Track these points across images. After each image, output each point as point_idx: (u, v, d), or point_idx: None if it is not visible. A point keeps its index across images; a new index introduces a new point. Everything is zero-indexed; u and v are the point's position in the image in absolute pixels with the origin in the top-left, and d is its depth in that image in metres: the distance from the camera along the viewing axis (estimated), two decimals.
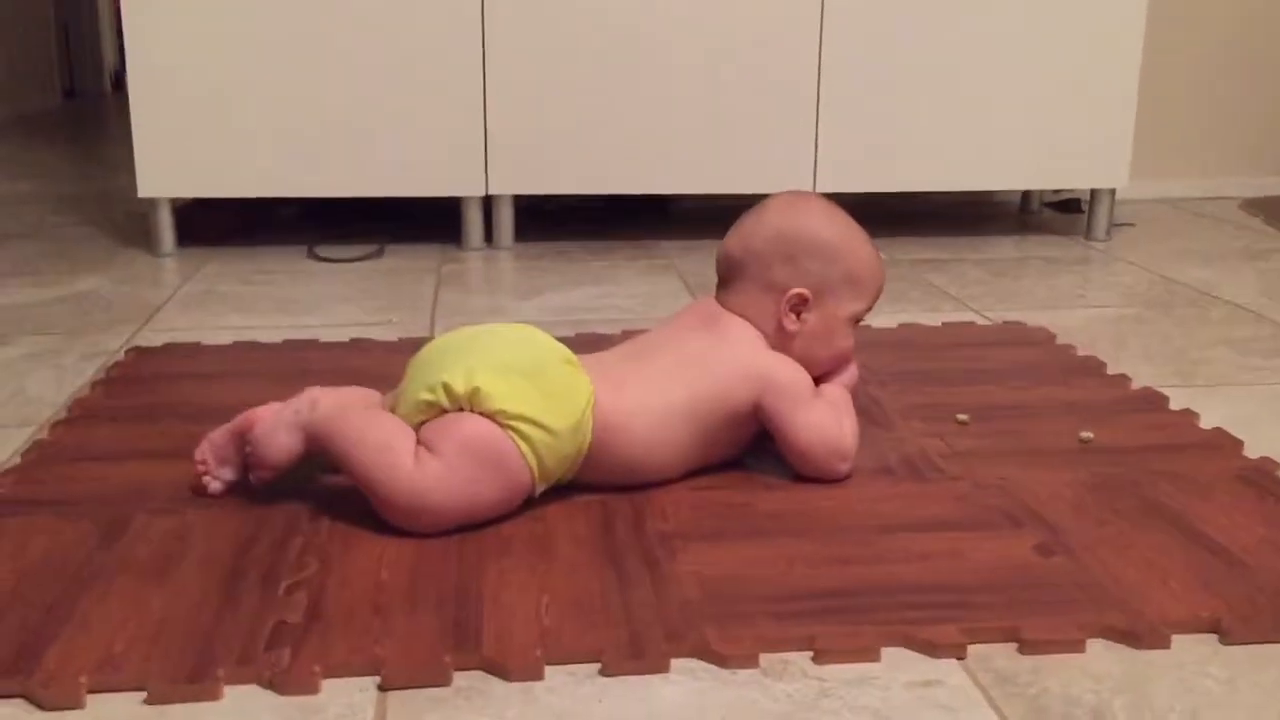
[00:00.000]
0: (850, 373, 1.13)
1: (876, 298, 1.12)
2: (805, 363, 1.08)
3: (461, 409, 0.94)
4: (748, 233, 1.10)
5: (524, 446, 0.94)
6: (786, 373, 1.05)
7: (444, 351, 0.98)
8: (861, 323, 1.13)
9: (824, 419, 1.04)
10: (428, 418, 0.95)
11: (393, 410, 0.99)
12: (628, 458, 1.00)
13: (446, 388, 0.94)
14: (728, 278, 1.11)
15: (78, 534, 0.93)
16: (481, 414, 0.93)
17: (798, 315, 1.08)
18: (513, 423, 0.93)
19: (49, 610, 0.82)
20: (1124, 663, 0.78)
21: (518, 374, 0.95)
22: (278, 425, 0.97)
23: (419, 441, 0.94)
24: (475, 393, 0.93)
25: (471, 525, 0.93)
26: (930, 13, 2.04)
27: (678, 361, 1.04)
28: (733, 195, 1.99)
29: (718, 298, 1.12)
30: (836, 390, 1.10)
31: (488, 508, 0.94)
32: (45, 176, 3.03)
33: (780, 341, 1.08)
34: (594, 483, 1.01)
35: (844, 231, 1.10)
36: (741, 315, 1.09)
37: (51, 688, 0.73)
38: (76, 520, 0.96)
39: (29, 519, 0.96)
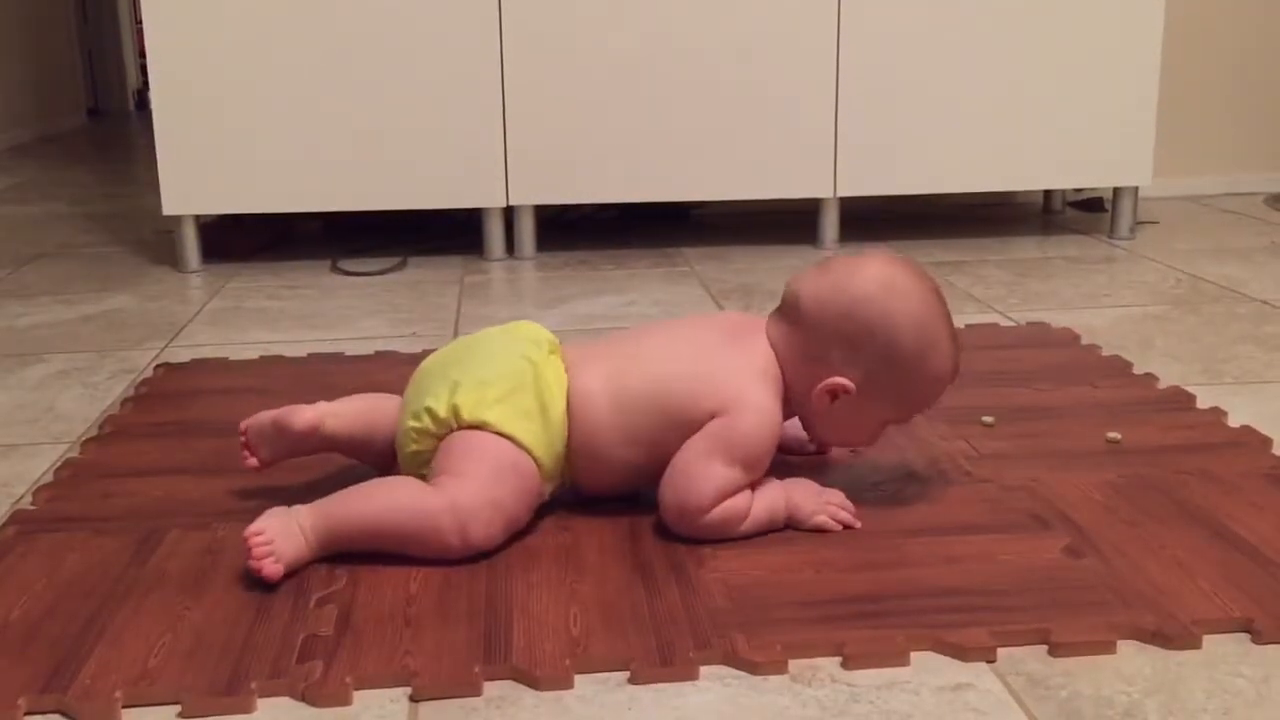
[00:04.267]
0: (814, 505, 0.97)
1: (920, 412, 1.01)
2: (807, 428, 1.02)
3: (451, 429, 0.95)
4: (824, 291, 0.96)
5: (521, 444, 0.94)
6: (742, 420, 0.93)
7: (426, 374, 0.99)
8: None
9: (717, 479, 0.92)
10: (421, 445, 0.96)
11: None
12: (595, 443, 0.97)
13: (430, 412, 0.95)
14: (788, 314, 0.99)
15: (111, 549, 0.94)
16: (472, 427, 0.94)
17: (832, 399, 0.97)
18: (501, 427, 0.94)
19: (84, 626, 0.83)
20: (1155, 663, 0.78)
21: (494, 379, 0.95)
22: (288, 528, 0.90)
23: (434, 474, 0.94)
24: (457, 410, 0.94)
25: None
26: (948, 14, 2.04)
27: (671, 343, 1.00)
28: (753, 201, 2.00)
29: (770, 319, 1.01)
30: (771, 497, 0.96)
31: (514, 504, 0.93)
32: (72, 196, 3.06)
33: (802, 407, 0.99)
34: (589, 482, 1.00)
35: (925, 341, 0.95)
36: (778, 351, 0.99)
37: (88, 703, 0.74)
38: (110, 536, 0.97)
39: (63, 535, 0.97)
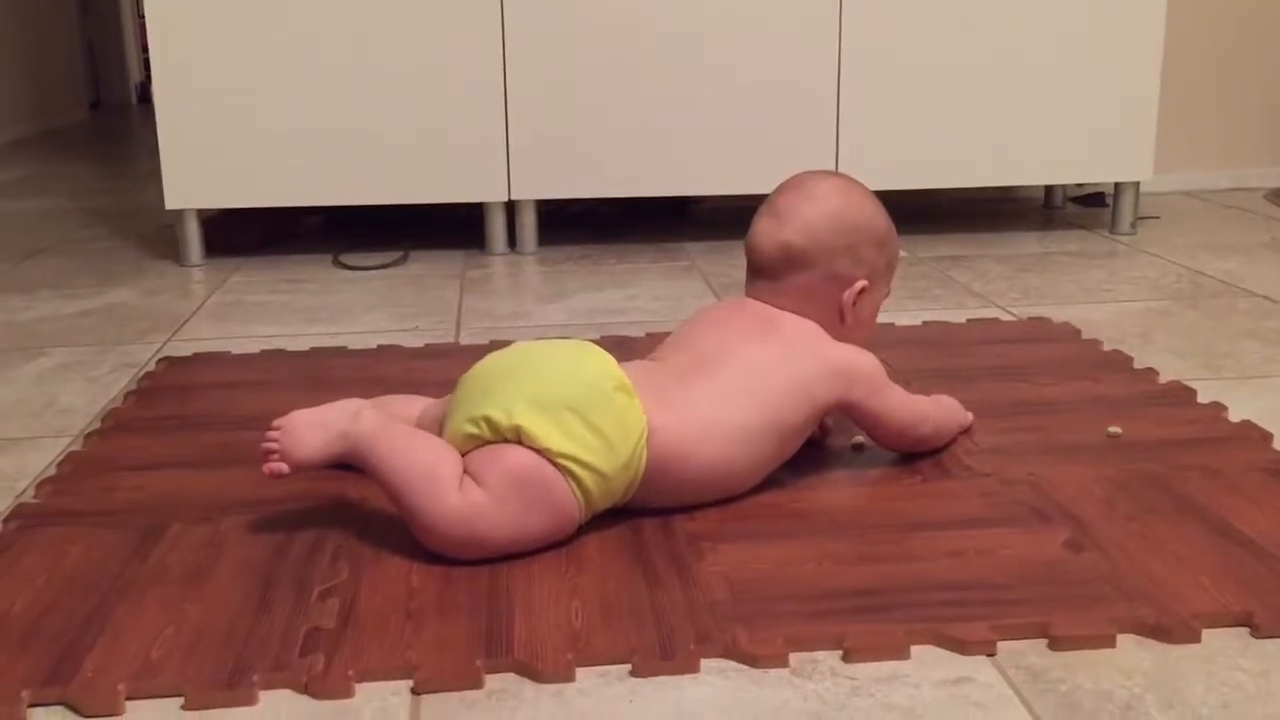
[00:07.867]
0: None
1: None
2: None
3: (506, 440, 0.91)
4: (806, 222, 1.06)
5: (572, 483, 0.91)
6: (866, 364, 1.05)
7: (491, 377, 0.95)
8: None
9: (903, 394, 1.07)
10: (473, 448, 0.92)
11: (441, 428, 0.96)
12: (695, 482, 0.97)
13: (489, 421, 0.91)
14: (783, 269, 1.06)
15: (113, 543, 0.95)
16: (529, 448, 0.91)
17: (853, 304, 1.08)
18: (561, 460, 0.90)
19: (87, 619, 0.83)
20: (1155, 657, 0.78)
21: (566, 409, 0.91)
22: (313, 424, 0.94)
23: (465, 470, 0.91)
24: (519, 430, 0.90)
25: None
26: (949, 9, 2.04)
27: (746, 373, 1.00)
28: (753, 195, 1.99)
29: (759, 293, 1.08)
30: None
31: (533, 539, 0.91)
32: (73, 190, 3.07)
33: (836, 332, 1.06)
34: (651, 506, 0.97)
35: (885, 214, 1.11)
36: (797, 309, 1.06)
37: (91, 695, 0.74)
38: (112, 530, 0.97)
39: (65, 529, 0.97)
